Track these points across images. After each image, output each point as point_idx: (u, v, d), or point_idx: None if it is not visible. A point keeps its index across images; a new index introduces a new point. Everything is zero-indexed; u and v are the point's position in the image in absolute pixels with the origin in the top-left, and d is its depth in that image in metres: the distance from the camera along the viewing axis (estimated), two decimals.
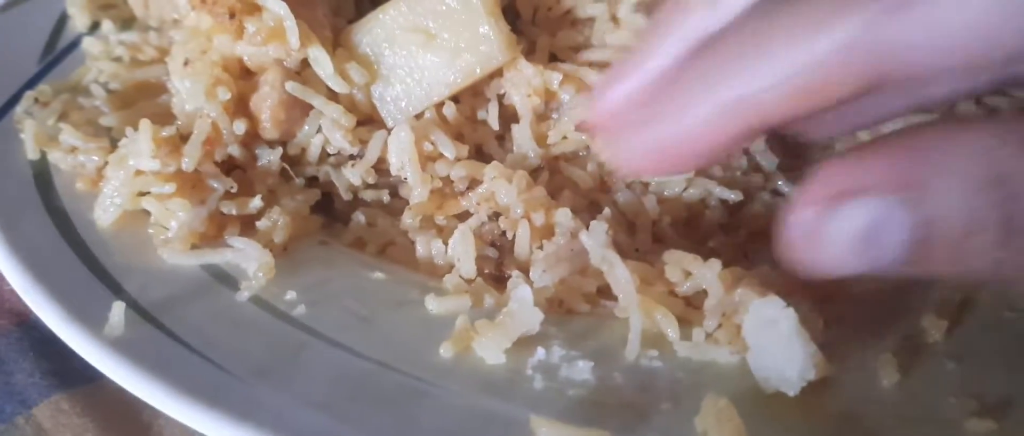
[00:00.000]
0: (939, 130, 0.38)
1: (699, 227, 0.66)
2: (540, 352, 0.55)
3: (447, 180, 0.66)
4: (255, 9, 0.65)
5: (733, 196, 0.66)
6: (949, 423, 0.51)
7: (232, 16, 0.65)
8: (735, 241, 0.65)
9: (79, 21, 0.85)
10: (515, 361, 0.55)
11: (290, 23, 0.64)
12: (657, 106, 0.45)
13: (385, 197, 0.68)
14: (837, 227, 0.39)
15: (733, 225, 0.67)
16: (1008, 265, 0.37)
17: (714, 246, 0.65)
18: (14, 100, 0.74)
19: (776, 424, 0.51)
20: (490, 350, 0.54)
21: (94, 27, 0.85)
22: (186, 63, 0.67)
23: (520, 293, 0.55)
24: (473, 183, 0.66)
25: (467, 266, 0.61)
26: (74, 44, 0.83)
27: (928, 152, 0.37)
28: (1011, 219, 0.36)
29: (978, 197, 0.36)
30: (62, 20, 0.86)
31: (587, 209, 0.67)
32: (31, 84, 0.77)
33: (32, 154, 0.69)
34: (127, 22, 0.85)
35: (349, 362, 0.55)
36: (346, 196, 0.68)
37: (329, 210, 0.69)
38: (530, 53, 0.71)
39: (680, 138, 0.44)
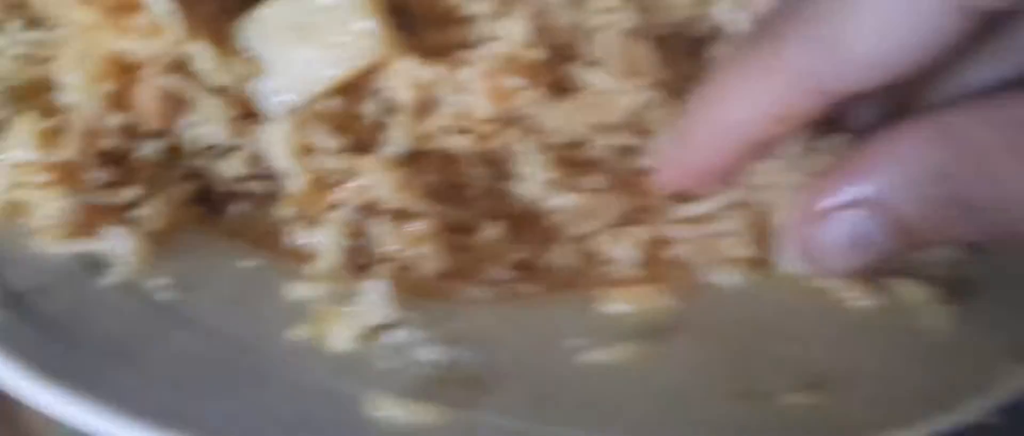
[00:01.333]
0: (890, 135, 0.46)
1: None
2: (391, 335, 0.57)
3: (325, 172, 0.68)
4: (137, 5, 0.67)
5: None
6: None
7: (116, 12, 0.66)
8: None
9: None
10: (367, 344, 0.57)
11: (171, 19, 0.66)
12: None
13: (263, 189, 0.70)
14: (828, 240, 0.49)
15: None
16: (974, 233, 0.47)
17: None
18: None
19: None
20: (340, 336, 0.56)
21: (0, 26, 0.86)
22: (71, 57, 0.69)
23: (371, 285, 0.57)
24: (351, 175, 0.68)
25: (330, 255, 0.63)
26: None
27: (881, 160, 0.46)
28: (964, 201, 0.43)
29: (932, 189, 0.44)
30: None
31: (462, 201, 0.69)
32: None
33: None
34: (35, 21, 0.87)
35: (207, 344, 0.57)
36: (224, 188, 0.69)
37: (210, 201, 0.70)
38: (418, 49, 0.73)
39: (689, 159, 0.59)
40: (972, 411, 0.53)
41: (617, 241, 0.66)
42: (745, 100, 0.49)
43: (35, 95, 0.74)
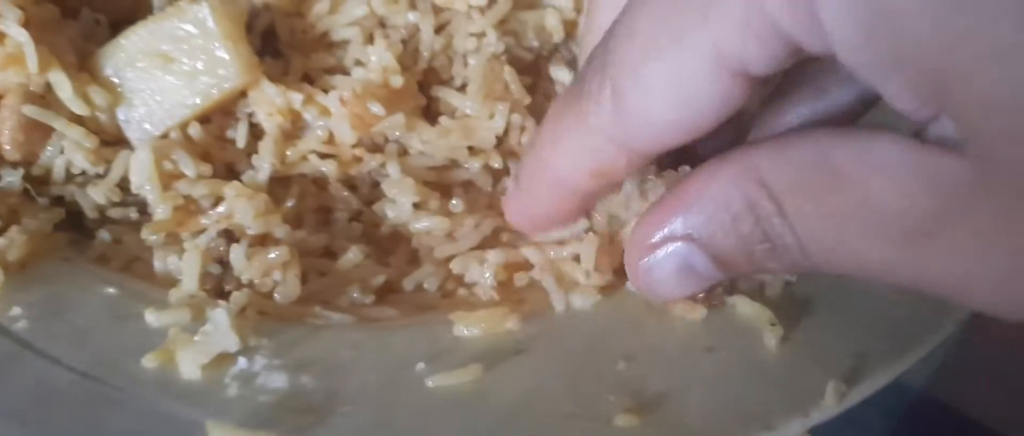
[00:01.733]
0: (706, 172, 0.48)
1: None
2: (241, 362, 0.59)
3: (190, 198, 0.69)
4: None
5: None
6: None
7: None
8: None
9: None
10: (216, 371, 0.58)
11: (29, 49, 0.67)
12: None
13: (133, 214, 0.70)
14: (657, 270, 0.51)
15: None
16: (783, 267, 0.47)
17: None
18: None
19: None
20: (187, 364, 0.57)
21: None
22: None
23: (216, 315, 0.58)
24: (217, 201, 0.69)
25: (190, 281, 0.64)
26: None
27: (695, 197, 0.48)
28: (768, 237, 0.45)
29: (741, 226, 0.46)
30: None
31: (328, 225, 0.70)
32: None
33: None
34: None
35: (54, 373, 0.58)
36: (92, 214, 0.70)
37: (82, 228, 0.71)
38: (285, 74, 0.74)
39: (527, 206, 0.61)
40: (795, 430, 0.56)
41: (476, 264, 0.68)
42: (565, 156, 0.52)
43: None
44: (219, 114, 0.73)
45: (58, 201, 0.70)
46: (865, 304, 0.62)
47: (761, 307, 0.62)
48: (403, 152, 0.74)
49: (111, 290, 0.65)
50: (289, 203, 0.70)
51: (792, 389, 0.57)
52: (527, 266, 0.68)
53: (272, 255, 0.64)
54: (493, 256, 0.68)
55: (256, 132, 0.73)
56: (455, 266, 0.68)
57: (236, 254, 0.65)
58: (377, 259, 0.69)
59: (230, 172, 0.73)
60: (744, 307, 0.62)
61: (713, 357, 0.60)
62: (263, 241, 0.67)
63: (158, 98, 0.70)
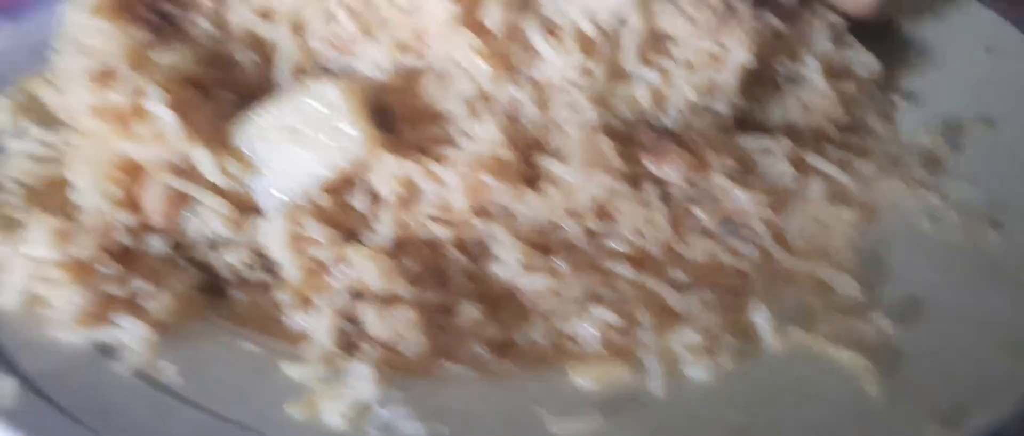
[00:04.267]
0: None
1: None
2: (381, 412, 0.63)
3: (318, 261, 0.75)
4: (144, 114, 0.74)
5: None
6: None
7: (124, 122, 0.74)
8: None
9: (3, 121, 0.93)
10: (358, 420, 0.63)
11: (174, 127, 0.73)
12: None
13: (264, 276, 0.76)
14: None
15: None
16: None
17: None
18: None
19: None
20: (331, 414, 0.63)
21: (18, 127, 0.93)
22: (82, 161, 0.76)
23: (356, 368, 0.64)
24: (341, 263, 0.75)
25: (324, 337, 0.69)
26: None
27: None
28: None
29: None
30: None
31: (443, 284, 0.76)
32: None
33: None
34: (48, 122, 0.94)
35: (211, 423, 0.63)
36: (227, 276, 0.76)
37: (215, 290, 0.77)
38: (397, 145, 0.80)
39: None
40: None
41: (582, 319, 0.72)
42: None
43: (51, 194, 0.81)
44: (342, 182, 0.78)
45: (197, 264, 0.76)
46: (964, 356, 0.66)
47: (860, 356, 0.66)
48: (509, 216, 0.79)
49: (251, 347, 0.71)
50: (408, 264, 0.75)
51: (897, 431, 0.61)
52: (632, 323, 0.72)
53: (400, 314, 0.69)
54: (598, 313, 0.73)
55: (375, 198, 0.79)
56: (564, 322, 0.73)
57: (367, 313, 0.70)
58: (491, 315, 0.74)
59: (352, 236, 0.78)
60: (845, 354, 0.66)
61: (819, 403, 0.64)
62: (388, 300, 0.72)
63: (289, 169, 0.76)
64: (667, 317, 0.73)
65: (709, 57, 0.85)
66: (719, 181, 0.81)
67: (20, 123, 0.93)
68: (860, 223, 0.80)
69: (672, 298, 0.74)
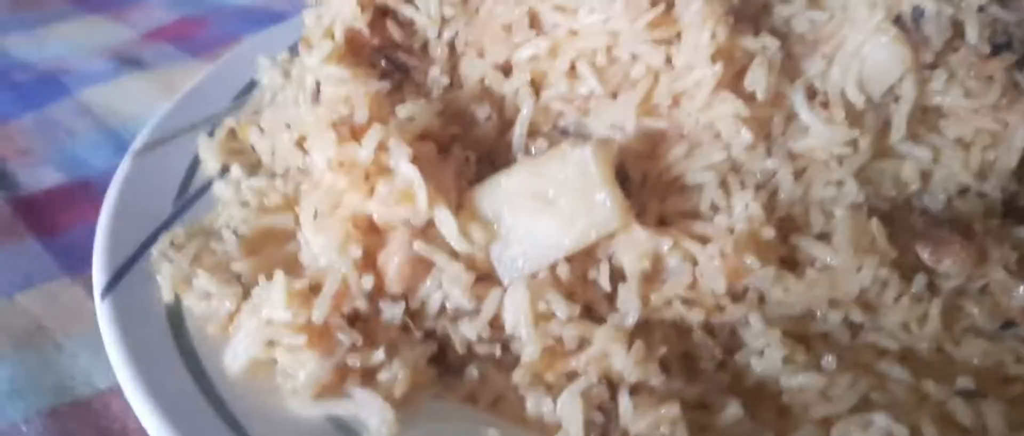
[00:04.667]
0: None
1: None
2: None
3: (559, 339, 0.69)
4: (387, 171, 0.70)
5: None
6: None
7: (366, 178, 0.69)
8: None
9: (210, 165, 0.91)
10: None
11: (420, 186, 0.68)
12: None
13: (498, 352, 0.70)
14: None
15: None
16: None
17: None
18: (151, 240, 0.79)
19: None
20: None
21: (224, 171, 0.90)
22: (316, 216, 0.71)
23: None
24: (584, 343, 0.68)
25: (574, 429, 0.63)
26: (206, 187, 0.88)
27: None
28: None
29: None
30: (195, 163, 0.92)
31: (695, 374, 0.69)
32: (167, 225, 0.82)
33: (168, 297, 0.73)
34: (254, 167, 0.91)
35: None
36: (461, 350, 0.70)
37: (444, 362, 0.71)
38: (640, 216, 0.74)
39: None
40: None
41: (859, 430, 0.64)
42: None
43: (269, 245, 0.78)
44: (582, 254, 0.72)
45: (429, 334, 0.71)
46: None
47: None
48: (761, 300, 0.72)
49: (491, 432, 0.64)
50: (661, 351, 0.68)
51: None
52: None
53: (665, 409, 0.62)
54: (879, 421, 0.64)
55: (615, 273, 0.73)
56: (837, 431, 0.65)
57: (624, 404, 0.63)
58: (750, 415, 0.67)
59: (590, 313, 0.72)
60: None
61: None
62: (638, 389, 0.65)
63: (534, 238, 0.70)
64: (953, 430, 0.64)
65: (987, 136, 0.76)
66: (998, 276, 0.73)
67: (228, 167, 0.90)
68: None
69: (959, 409, 0.65)
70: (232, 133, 0.94)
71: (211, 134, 0.94)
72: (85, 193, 1.02)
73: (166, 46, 1.36)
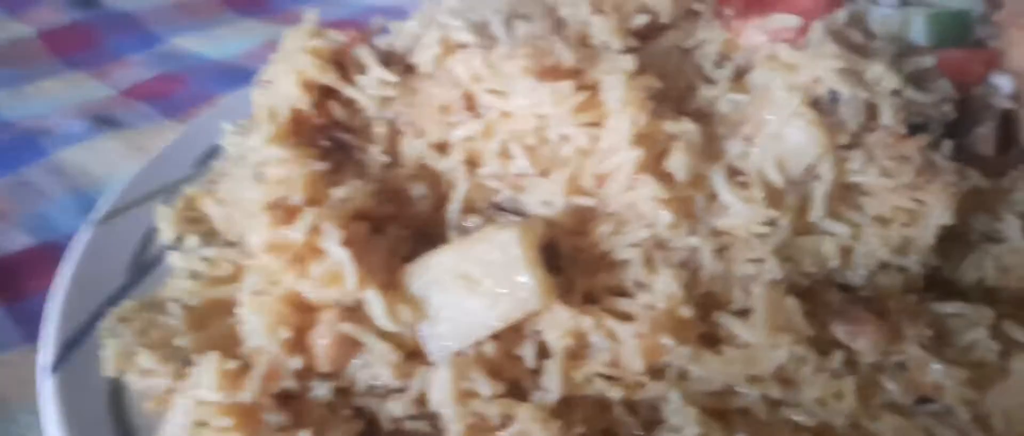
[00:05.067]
0: None
1: None
2: None
3: (483, 417, 0.71)
4: (319, 253, 0.73)
5: None
6: None
7: (298, 261, 0.72)
8: None
9: (166, 234, 0.94)
10: None
11: (349, 268, 0.71)
12: None
13: (426, 429, 0.73)
14: None
15: None
16: None
17: None
18: (100, 313, 0.82)
19: None
20: None
21: (179, 240, 0.94)
22: (254, 293, 0.74)
23: None
24: (507, 421, 0.71)
25: None
26: (160, 256, 0.92)
27: None
28: None
29: None
30: (151, 232, 0.95)
31: None
32: (119, 296, 0.86)
33: (111, 372, 0.76)
34: (209, 235, 0.94)
35: None
36: (389, 426, 0.73)
37: None
38: (568, 291, 0.76)
39: None
40: None
41: None
42: None
43: (215, 317, 0.81)
44: (508, 332, 0.75)
45: (358, 412, 0.74)
46: None
47: None
48: (682, 376, 0.74)
49: None
50: (580, 429, 0.70)
51: None
52: None
53: None
54: None
55: (541, 349, 0.75)
56: None
57: None
58: None
59: (516, 388, 0.75)
60: None
61: None
62: None
63: (460, 317, 0.73)
64: None
65: (905, 213, 0.79)
66: (914, 352, 0.75)
67: (183, 236, 0.94)
68: None
69: None
70: (189, 201, 0.97)
71: (170, 203, 0.98)
72: (52, 257, 1.04)
73: (142, 105, 1.40)
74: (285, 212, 0.74)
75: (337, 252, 0.72)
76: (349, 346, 0.72)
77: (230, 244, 0.91)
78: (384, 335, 0.73)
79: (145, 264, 0.91)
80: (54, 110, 1.40)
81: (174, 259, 0.90)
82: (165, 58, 1.59)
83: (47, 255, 1.06)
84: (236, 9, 1.82)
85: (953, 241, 0.83)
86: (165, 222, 0.95)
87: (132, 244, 0.93)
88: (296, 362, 0.71)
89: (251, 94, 1.12)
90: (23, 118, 1.37)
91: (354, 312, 0.73)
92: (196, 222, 0.96)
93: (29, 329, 0.94)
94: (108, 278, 0.88)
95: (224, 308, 0.82)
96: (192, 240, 0.93)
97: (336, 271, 0.72)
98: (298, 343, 0.73)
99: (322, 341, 0.72)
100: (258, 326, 0.72)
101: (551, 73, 0.77)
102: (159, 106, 1.39)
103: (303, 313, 0.74)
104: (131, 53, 1.62)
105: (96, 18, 1.76)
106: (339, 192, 0.77)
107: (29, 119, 1.37)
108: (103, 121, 1.34)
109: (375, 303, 0.72)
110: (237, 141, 1.02)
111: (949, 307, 0.79)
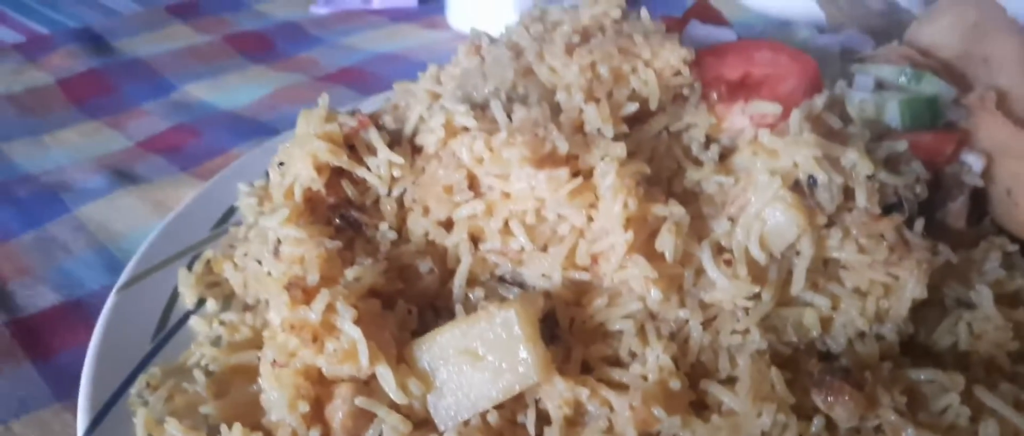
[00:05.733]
0: None
1: None
2: None
3: None
4: (334, 331, 0.78)
5: None
6: None
7: (315, 339, 0.78)
8: None
9: (188, 298, 1.00)
10: None
11: (362, 346, 0.77)
12: None
13: None
14: None
15: None
16: None
17: None
18: (130, 380, 0.88)
19: None
20: None
21: (200, 303, 1.00)
22: (274, 364, 0.80)
23: None
24: None
25: None
26: (182, 321, 0.97)
27: None
28: None
29: None
30: (174, 296, 1.01)
31: None
32: (146, 362, 0.91)
33: None
34: (228, 298, 1.00)
35: None
36: None
37: None
38: (565, 360, 0.82)
39: None
40: None
41: None
42: None
43: (237, 382, 0.86)
44: (512, 400, 0.81)
45: None
46: None
47: None
48: None
49: None
50: None
51: None
52: None
53: None
54: None
55: (542, 416, 0.81)
56: None
57: None
58: None
59: None
60: None
61: None
62: None
63: (465, 390, 0.78)
64: None
65: (881, 287, 0.84)
66: (889, 418, 0.80)
67: (204, 300, 0.99)
68: None
69: None
70: (209, 265, 1.03)
71: (190, 266, 1.04)
72: (77, 314, 1.11)
73: (158, 159, 1.46)
74: (302, 292, 0.80)
75: (350, 330, 0.78)
76: (363, 418, 0.78)
77: (248, 308, 0.97)
78: (395, 407, 0.79)
79: (169, 330, 0.96)
80: (73, 163, 1.46)
81: (196, 324, 0.95)
82: (178, 108, 1.65)
83: (72, 312, 1.12)
84: (244, 54, 1.89)
85: (928, 308, 0.89)
86: (186, 286, 1.00)
87: (157, 309, 0.99)
88: (315, 434, 0.77)
89: (262, 152, 1.18)
90: (44, 172, 1.43)
91: (367, 385, 0.79)
92: (215, 285, 1.01)
93: (60, 388, 1.00)
94: (136, 344, 0.93)
95: (245, 374, 0.88)
96: (212, 304, 0.98)
97: (350, 348, 0.78)
98: (316, 415, 0.78)
99: (339, 414, 0.77)
100: (279, 400, 0.78)
101: (548, 160, 0.83)
102: (175, 159, 1.45)
103: (320, 385, 0.80)
104: (145, 101, 1.68)
105: (111, 64, 1.82)
106: (352, 272, 0.83)
107: (50, 173, 1.43)
108: (121, 175, 1.40)
109: (386, 378, 0.78)
110: (251, 203, 1.08)
111: (923, 373, 0.84)
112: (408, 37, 1.98)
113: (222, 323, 0.95)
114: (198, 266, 1.03)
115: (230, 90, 1.72)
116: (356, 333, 0.78)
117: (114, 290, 1.00)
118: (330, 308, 0.79)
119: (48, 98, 1.70)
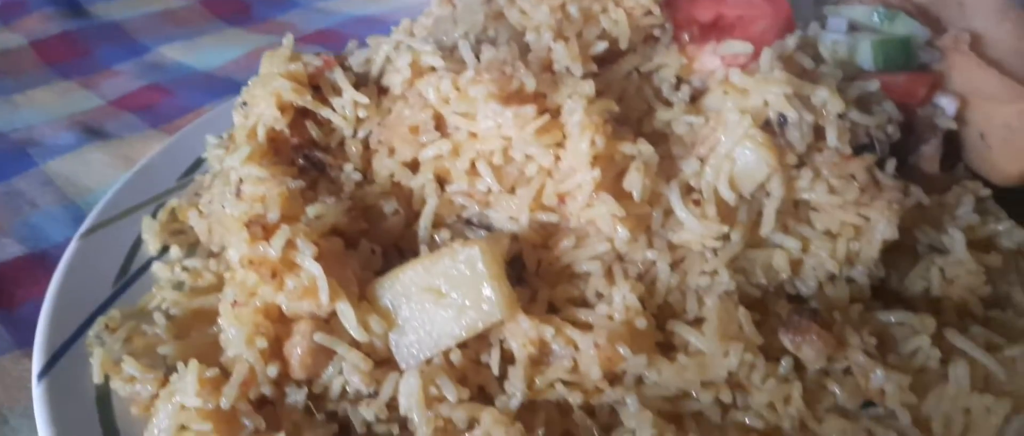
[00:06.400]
0: None
1: None
2: None
3: (449, 420, 0.75)
4: (294, 268, 0.77)
5: None
6: None
7: (274, 275, 0.76)
8: None
9: (151, 245, 0.98)
10: None
11: (322, 282, 0.76)
12: None
13: (396, 432, 0.77)
14: None
15: None
16: None
17: None
18: (89, 322, 0.86)
19: None
20: None
21: (164, 250, 0.98)
22: (234, 304, 0.79)
23: None
24: (473, 424, 0.75)
25: None
26: (145, 267, 0.96)
27: None
28: None
29: None
30: (138, 243, 0.99)
31: None
32: (105, 306, 0.90)
33: (97, 378, 0.80)
34: (193, 246, 0.98)
35: None
36: (361, 430, 0.77)
37: None
38: (532, 302, 0.81)
39: None
40: None
41: None
42: None
43: (197, 326, 0.85)
44: (475, 339, 0.79)
45: (331, 416, 0.78)
46: None
47: None
48: (639, 381, 0.79)
49: None
50: (540, 432, 0.75)
51: None
52: None
53: None
54: None
55: (506, 356, 0.80)
56: None
57: None
58: None
59: (482, 393, 0.79)
60: None
61: None
62: None
63: (428, 328, 0.77)
64: None
65: (851, 228, 0.83)
66: (858, 359, 0.79)
67: (168, 247, 0.98)
68: (1011, 414, 0.77)
69: None
70: (174, 213, 1.02)
71: (155, 214, 1.02)
72: (42, 265, 1.10)
73: (129, 116, 1.44)
74: (262, 229, 0.78)
75: (310, 266, 0.76)
76: (323, 355, 0.77)
77: (212, 255, 0.96)
78: (356, 344, 0.77)
79: (131, 276, 0.95)
80: (44, 121, 1.44)
81: (158, 270, 0.94)
82: (152, 68, 1.63)
83: (37, 263, 1.11)
84: (221, 18, 1.86)
85: (900, 253, 0.88)
86: (150, 234, 0.99)
87: (118, 256, 0.97)
88: (273, 370, 0.76)
89: (233, 106, 1.16)
90: (13, 129, 1.41)
91: (327, 323, 0.78)
92: (180, 233, 1.00)
93: (21, 335, 0.98)
94: (96, 289, 0.92)
95: (205, 317, 0.86)
96: (176, 251, 0.97)
97: (310, 285, 0.76)
98: (275, 352, 0.77)
99: (297, 350, 0.76)
100: (237, 336, 0.76)
101: (515, 98, 0.81)
102: (146, 117, 1.43)
103: (279, 324, 0.78)
104: (119, 63, 1.66)
105: (86, 27, 1.80)
106: (313, 209, 0.81)
107: (19, 130, 1.41)
108: (91, 131, 1.38)
109: (347, 315, 0.76)
110: (219, 154, 1.06)
111: (893, 316, 0.83)
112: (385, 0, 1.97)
113: (185, 269, 0.94)
114: (163, 214, 1.02)
115: (205, 52, 1.70)
116: (316, 269, 0.76)
117: (76, 236, 0.98)
118: (290, 244, 0.77)
119: (20, 59, 1.68)
